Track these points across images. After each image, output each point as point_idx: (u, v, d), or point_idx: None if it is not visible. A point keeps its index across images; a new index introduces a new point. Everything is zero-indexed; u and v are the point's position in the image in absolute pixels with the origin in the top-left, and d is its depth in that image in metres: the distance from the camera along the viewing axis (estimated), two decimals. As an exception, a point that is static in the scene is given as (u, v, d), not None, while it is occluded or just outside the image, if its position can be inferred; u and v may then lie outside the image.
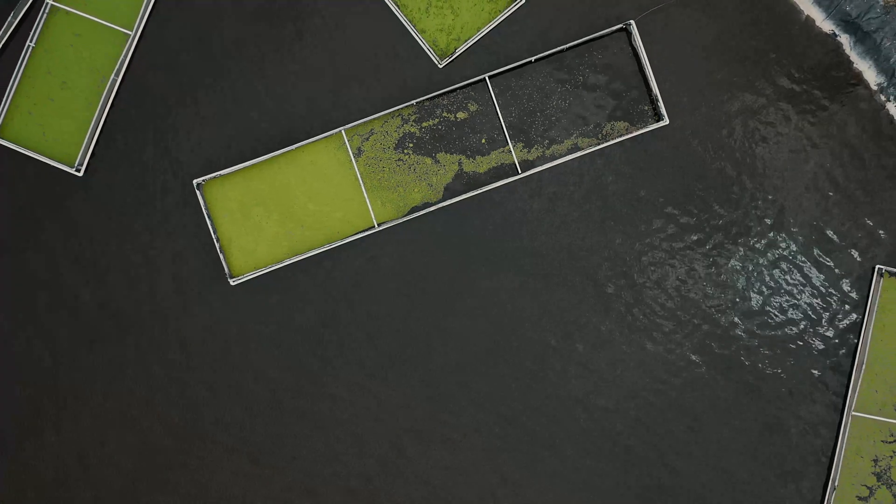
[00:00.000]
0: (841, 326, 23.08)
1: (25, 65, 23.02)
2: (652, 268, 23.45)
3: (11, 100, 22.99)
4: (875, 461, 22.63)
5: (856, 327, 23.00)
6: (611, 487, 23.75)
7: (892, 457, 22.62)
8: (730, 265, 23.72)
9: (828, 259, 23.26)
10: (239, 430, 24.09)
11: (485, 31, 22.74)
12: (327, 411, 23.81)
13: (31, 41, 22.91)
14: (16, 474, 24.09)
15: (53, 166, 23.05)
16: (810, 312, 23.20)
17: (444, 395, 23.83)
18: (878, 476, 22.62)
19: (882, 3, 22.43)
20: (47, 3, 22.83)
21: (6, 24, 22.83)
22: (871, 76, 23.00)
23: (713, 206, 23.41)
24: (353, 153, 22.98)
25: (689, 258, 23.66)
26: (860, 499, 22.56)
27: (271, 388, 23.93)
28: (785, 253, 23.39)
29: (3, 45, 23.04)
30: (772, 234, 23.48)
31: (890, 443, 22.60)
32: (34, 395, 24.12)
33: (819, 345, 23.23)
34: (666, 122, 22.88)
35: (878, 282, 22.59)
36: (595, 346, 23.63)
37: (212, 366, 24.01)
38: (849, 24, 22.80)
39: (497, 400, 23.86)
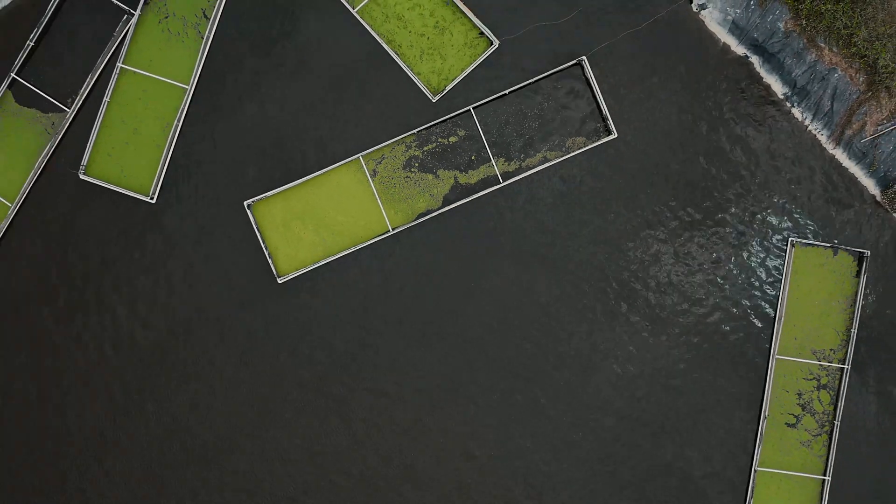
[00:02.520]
0: (766, 288, 25.08)
1: (103, 116, 24.67)
2: (622, 255, 25.21)
3: (94, 145, 24.68)
4: (799, 395, 24.89)
5: (777, 288, 24.98)
6: (592, 436, 25.23)
7: (812, 391, 24.90)
8: (680, 248, 25.23)
9: (753, 236, 25.18)
10: (287, 415, 25.33)
11: (467, 71, 24.60)
12: (358, 394, 25.34)
13: (106, 97, 24.60)
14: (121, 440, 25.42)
15: (131, 196, 24.78)
16: (741, 279, 25.14)
17: (456, 377, 25.31)
18: (803, 406, 24.89)
19: (783, 29, 24.25)
20: (118, 66, 24.51)
21: (85, 83, 24.66)
22: (778, 87, 24.93)
23: (659, 199, 25.15)
24: (369, 174, 24.80)
25: (649, 244, 25.24)
26: (789, 425, 24.86)
27: (313, 373, 25.31)
28: (721, 233, 25.21)
29: (83, 101, 24.73)
30: (712, 219, 25.14)
31: (810, 380, 24.91)
32: (120, 387, 25.31)
33: (749, 303, 25.16)
34: (615, 135, 24.64)
35: (791, 251, 24.75)
36: (578, 326, 25.25)
37: (258, 357, 25.33)
38: (757, 48, 24.72)
39: (502, 376, 25.32)
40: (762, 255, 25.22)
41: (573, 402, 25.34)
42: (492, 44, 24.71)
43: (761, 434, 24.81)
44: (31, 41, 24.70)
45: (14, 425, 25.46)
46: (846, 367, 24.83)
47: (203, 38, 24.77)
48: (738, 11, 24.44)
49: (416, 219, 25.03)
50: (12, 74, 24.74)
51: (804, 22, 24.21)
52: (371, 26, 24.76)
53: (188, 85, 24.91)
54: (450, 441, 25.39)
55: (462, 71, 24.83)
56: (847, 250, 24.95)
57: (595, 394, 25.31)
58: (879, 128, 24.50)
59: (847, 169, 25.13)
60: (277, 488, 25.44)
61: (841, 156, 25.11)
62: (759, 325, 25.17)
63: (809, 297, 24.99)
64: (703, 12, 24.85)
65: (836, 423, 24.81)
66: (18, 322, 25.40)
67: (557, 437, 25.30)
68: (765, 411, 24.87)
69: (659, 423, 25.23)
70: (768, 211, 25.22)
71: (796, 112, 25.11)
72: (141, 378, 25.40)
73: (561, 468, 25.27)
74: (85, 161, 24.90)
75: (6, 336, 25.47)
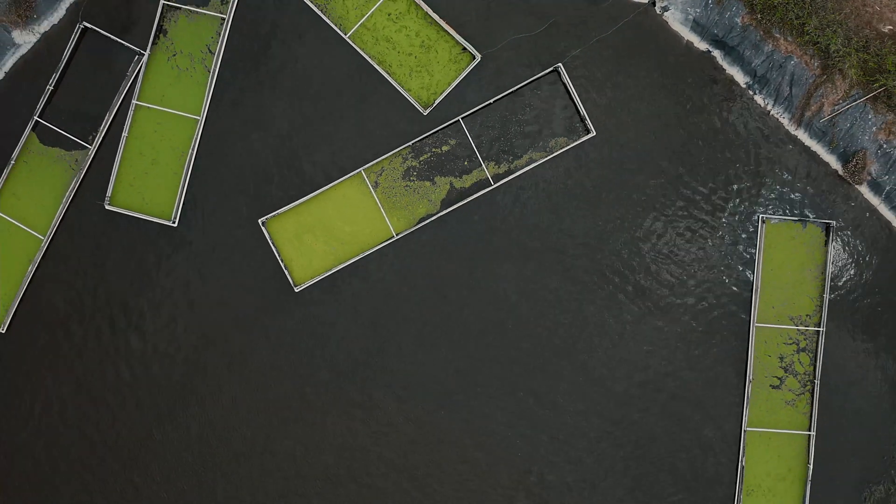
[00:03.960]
0: (743, 264, 25.98)
1: (123, 150, 25.64)
2: (613, 239, 25.97)
3: (116, 177, 25.67)
4: (781, 358, 25.90)
5: (753, 263, 25.86)
6: (592, 417, 26.15)
7: (793, 354, 25.89)
8: (662, 232, 26.06)
9: (727, 217, 26.04)
10: (310, 408, 26.29)
11: (454, 84, 25.55)
12: (375, 391, 26.18)
13: (124, 132, 25.57)
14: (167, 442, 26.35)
15: (154, 221, 25.74)
16: (720, 258, 26.03)
17: (467, 370, 26.12)
18: (785, 369, 25.90)
19: (740, 24, 25.24)
20: (133, 103, 25.58)
21: (104, 121, 25.68)
22: (740, 77, 25.92)
23: (638, 189, 25.96)
24: (371, 186, 25.76)
25: (634, 231, 26.06)
26: (773, 387, 25.83)
27: (333, 374, 26.12)
28: (698, 217, 26.07)
29: (103, 138, 25.70)
30: (688, 204, 25.99)
31: (790, 344, 25.92)
32: (165, 390, 26.28)
33: (729, 279, 26.01)
34: (593, 133, 25.54)
35: (762, 227, 25.80)
36: (576, 313, 26.12)
37: (282, 359, 26.26)
38: (718, 42, 25.75)
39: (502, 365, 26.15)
40: (737, 234, 26.09)
41: (578, 383, 26.19)
42: (474, 58, 25.65)
43: (748, 397, 25.75)
44: (50, 85, 25.81)
45: (51, 440, 26.45)
46: (822, 329, 25.80)
47: (209, 72, 25.84)
48: (698, 10, 25.57)
49: (418, 223, 25.97)
50: (35, 117, 25.88)
51: (759, 16, 25.30)
52: (363, 49, 25.79)
53: (199, 116, 25.88)
54: (463, 431, 26.23)
55: (449, 85, 25.79)
56: (815, 222, 25.94)
57: (597, 372, 26.13)
58: (836, 108, 25.43)
59: (809, 147, 26.01)
60: (301, 491, 26.38)
61: (803, 136, 26.00)
62: (740, 297, 26.04)
63: (783, 268, 26.00)
64: (665, 14, 25.95)
65: (816, 381, 25.83)
66: (57, 345, 26.37)
67: (565, 416, 26.21)
68: (749, 376, 25.83)
69: (656, 395, 26.15)
70: (739, 192, 26.02)
71: (758, 99, 26.03)
72: (174, 388, 26.33)
73: (570, 442, 26.20)
74: (109, 192, 25.91)
75: (47, 358, 26.40)
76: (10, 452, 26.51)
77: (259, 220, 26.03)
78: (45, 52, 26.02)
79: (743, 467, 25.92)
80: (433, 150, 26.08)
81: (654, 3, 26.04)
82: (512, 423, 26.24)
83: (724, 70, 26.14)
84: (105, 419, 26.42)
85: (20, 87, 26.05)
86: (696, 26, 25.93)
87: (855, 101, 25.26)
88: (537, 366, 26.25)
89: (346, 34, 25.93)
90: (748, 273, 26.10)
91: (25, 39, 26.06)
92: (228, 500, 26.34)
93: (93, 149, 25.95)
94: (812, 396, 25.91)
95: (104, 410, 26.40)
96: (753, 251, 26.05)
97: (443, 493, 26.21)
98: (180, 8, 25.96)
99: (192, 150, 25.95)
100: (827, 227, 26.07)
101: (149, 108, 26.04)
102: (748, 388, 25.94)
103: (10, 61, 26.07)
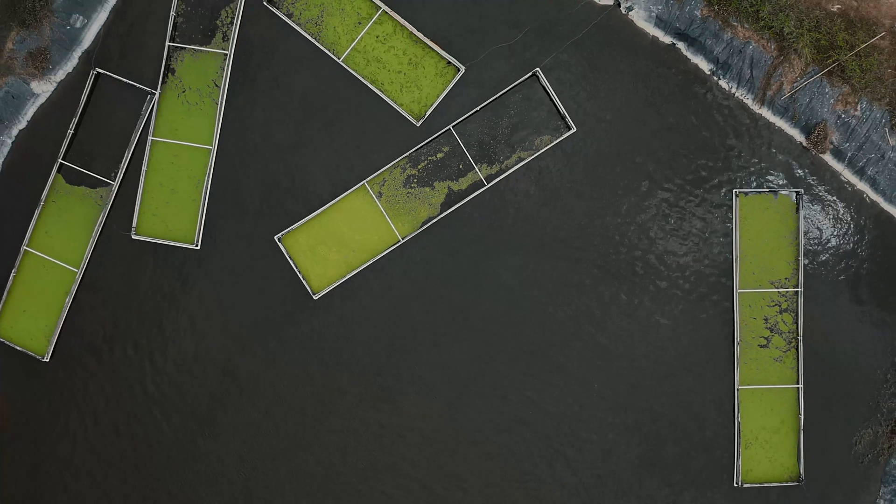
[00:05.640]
0: (722, 237, 26.94)
1: (143, 183, 26.69)
2: (598, 226, 26.75)
3: (139, 208, 26.73)
4: (766, 320, 26.85)
5: (731, 233, 26.78)
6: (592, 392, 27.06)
7: (776, 315, 26.85)
8: (646, 215, 27.00)
9: (703, 195, 26.88)
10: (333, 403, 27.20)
11: (442, 96, 26.50)
12: (398, 387, 27.15)
13: (144, 166, 26.64)
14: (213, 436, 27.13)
15: (178, 246, 26.80)
16: (701, 233, 26.94)
17: (479, 363, 26.89)
18: (771, 329, 26.86)
19: (700, 16, 26.20)
20: (149, 139, 26.64)
21: (124, 158, 26.72)
22: (704, 65, 26.90)
23: (620, 178, 26.84)
24: (375, 196, 26.70)
25: (620, 219, 26.89)
26: (761, 346, 26.77)
27: (357, 372, 26.98)
28: (675, 200, 26.96)
29: (125, 173, 26.71)
30: (668, 188, 26.86)
31: (772, 306, 26.87)
32: (201, 397, 27.23)
33: (710, 251, 27.03)
34: (574, 130, 26.46)
35: (736, 201, 26.76)
36: (577, 299, 26.92)
37: (309, 361, 27.14)
38: (681, 35, 26.70)
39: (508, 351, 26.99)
40: (714, 210, 26.96)
41: (584, 363, 27.15)
42: (459, 70, 26.61)
43: (737, 358, 26.77)
44: (70, 129, 26.86)
45: (93, 455, 27.41)
46: (800, 290, 26.80)
47: (217, 104, 26.88)
48: (660, 7, 26.59)
49: (421, 226, 26.89)
50: (60, 160, 26.94)
51: (716, 7, 26.36)
52: (356, 71, 26.79)
53: (211, 145, 26.84)
54: (482, 421, 27.01)
55: (437, 97, 26.72)
56: (785, 192, 26.91)
57: (601, 352, 27.02)
58: (795, 85, 26.36)
59: (774, 124, 26.98)
60: (335, 492, 27.21)
61: (767, 114, 26.94)
62: (723, 267, 26.92)
63: (760, 237, 27.01)
64: (630, 13, 26.96)
65: (799, 338, 26.86)
66: (98, 367, 27.35)
67: (572, 396, 27.10)
68: (737, 338, 26.83)
69: (655, 367, 27.05)
70: (713, 171, 26.86)
71: (723, 83, 26.93)
72: (208, 399, 27.25)
73: (582, 418, 27.08)
74: (134, 223, 26.94)
75: (91, 381, 27.38)
76: (62, 470, 27.57)
77: (275, 237, 26.95)
78: (62, 98, 27.15)
79: (739, 423, 26.87)
80: (429, 157, 27.02)
81: (619, 4, 27.07)
82: (525, 410, 27.06)
83: (689, 60, 27.08)
84: (146, 432, 27.30)
85: (43, 133, 27.12)
86: (660, 22, 26.94)
87: (812, 77, 26.16)
88: (545, 351, 27.10)
89: (339, 58, 26.97)
90: (728, 244, 26.99)
91: (43, 89, 27.22)
92: (266, 504, 27.08)
93: (116, 184, 26.98)
94: (798, 352, 26.87)
95: (144, 424, 27.29)
96: (731, 224, 26.97)
97: (469, 473, 27.13)
98: (185, 48, 27.08)
99: (208, 177, 26.96)
100: (797, 196, 27.07)
101: (164, 142, 27.00)
102: (737, 349, 26.89)
103: (31, 110, 27.24)
